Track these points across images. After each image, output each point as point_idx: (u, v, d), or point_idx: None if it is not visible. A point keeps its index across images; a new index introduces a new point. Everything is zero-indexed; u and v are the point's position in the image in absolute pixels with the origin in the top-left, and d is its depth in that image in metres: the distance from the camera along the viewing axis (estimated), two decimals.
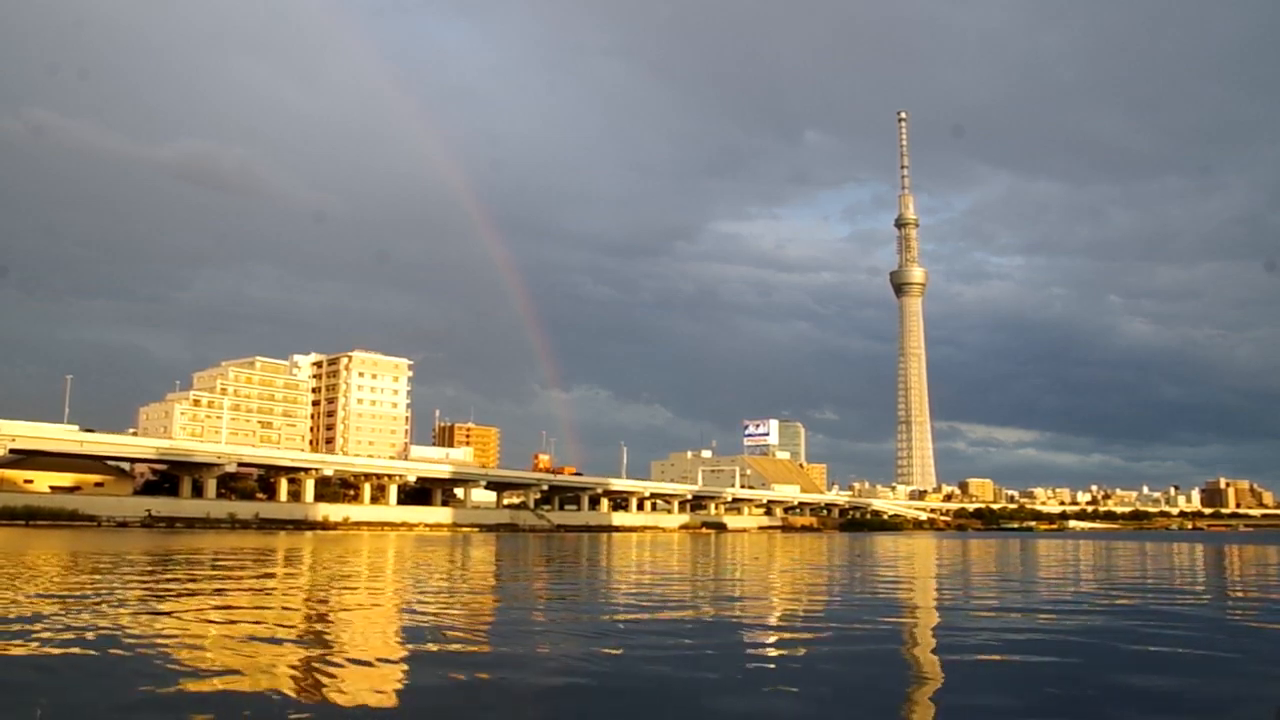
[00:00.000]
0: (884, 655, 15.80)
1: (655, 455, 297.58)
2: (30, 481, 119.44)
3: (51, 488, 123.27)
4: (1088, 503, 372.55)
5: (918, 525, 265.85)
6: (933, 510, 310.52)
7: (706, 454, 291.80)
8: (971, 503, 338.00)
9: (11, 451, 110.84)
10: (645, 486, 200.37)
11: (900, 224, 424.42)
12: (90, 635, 15.90)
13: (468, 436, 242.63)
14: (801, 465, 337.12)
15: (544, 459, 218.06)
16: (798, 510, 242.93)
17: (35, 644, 15.01)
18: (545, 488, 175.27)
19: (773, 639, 18.24)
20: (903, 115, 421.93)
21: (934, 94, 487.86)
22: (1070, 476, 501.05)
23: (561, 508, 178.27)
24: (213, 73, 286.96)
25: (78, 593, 24.68)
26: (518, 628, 19.97)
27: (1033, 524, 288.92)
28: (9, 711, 10.18)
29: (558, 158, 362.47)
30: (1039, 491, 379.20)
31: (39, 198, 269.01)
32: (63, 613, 19.42)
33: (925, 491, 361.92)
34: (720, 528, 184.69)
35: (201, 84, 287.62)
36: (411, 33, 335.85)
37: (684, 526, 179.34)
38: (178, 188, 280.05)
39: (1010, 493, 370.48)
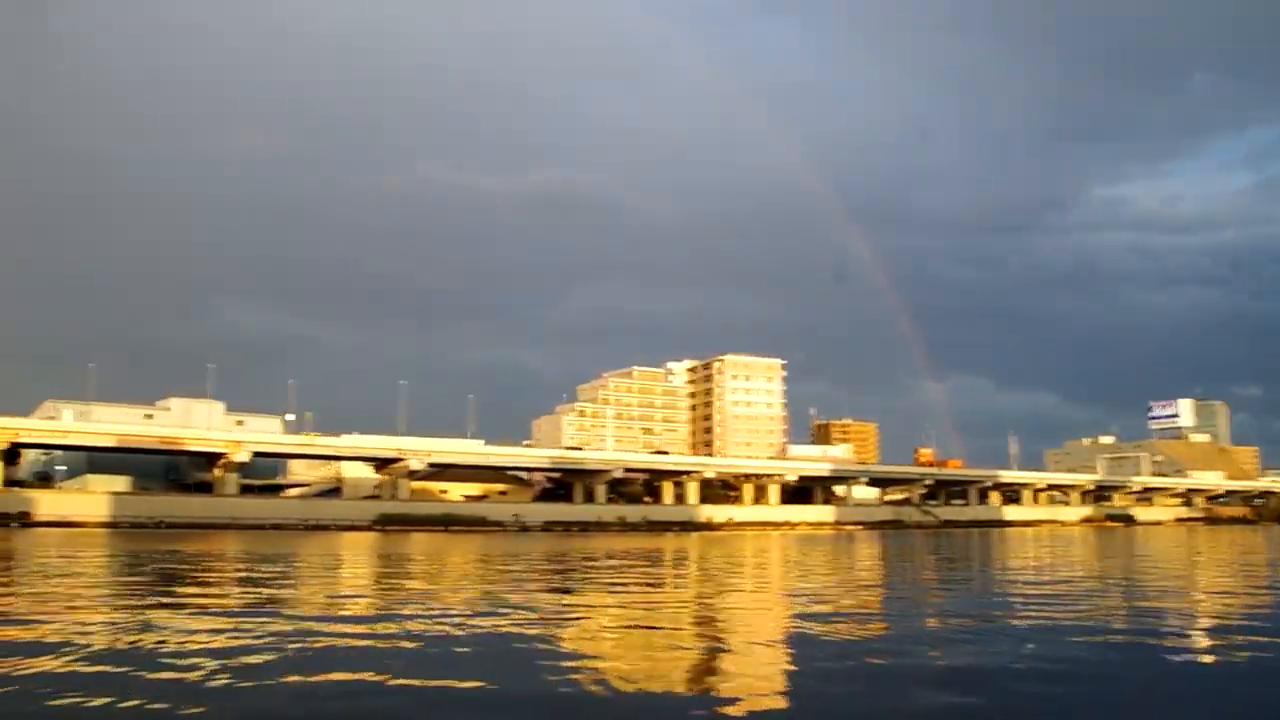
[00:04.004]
0: None
1: (1043, 443, 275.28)
2: (445, 491, 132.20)
3: (465, 497, 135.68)
4: None
5: None
6: None
7: (1105, 440, 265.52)
8: None
9: (430, 465, 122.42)
10: (1040, 477, 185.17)
11: None
12: (500, 625, 17.01)
13: (845, 433, 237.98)
14: (1224, 449, 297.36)
15: (926, 453, 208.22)
16: (1224, 499, 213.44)
17: (455, 631, 16.44)
18: (930, 482, 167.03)
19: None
20: None
21: None
22: None
23: (947, 503, 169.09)
24: (563, 104, 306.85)
25: (495, 586, 26.19)
26: (908, 625, 18.25)
27: None
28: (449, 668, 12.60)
29: (903, 140, 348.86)
30: None
31: (421, 235, 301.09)
32: (482, 602, 20.07)
33: None
34: (1128, 520, 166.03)
35: (555, 116, 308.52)
36: (735, 37, 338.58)
37: (1086, 520, 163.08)
38: (540, 214, 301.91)
39: None
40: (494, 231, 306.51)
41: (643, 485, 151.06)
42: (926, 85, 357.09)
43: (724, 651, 15.11)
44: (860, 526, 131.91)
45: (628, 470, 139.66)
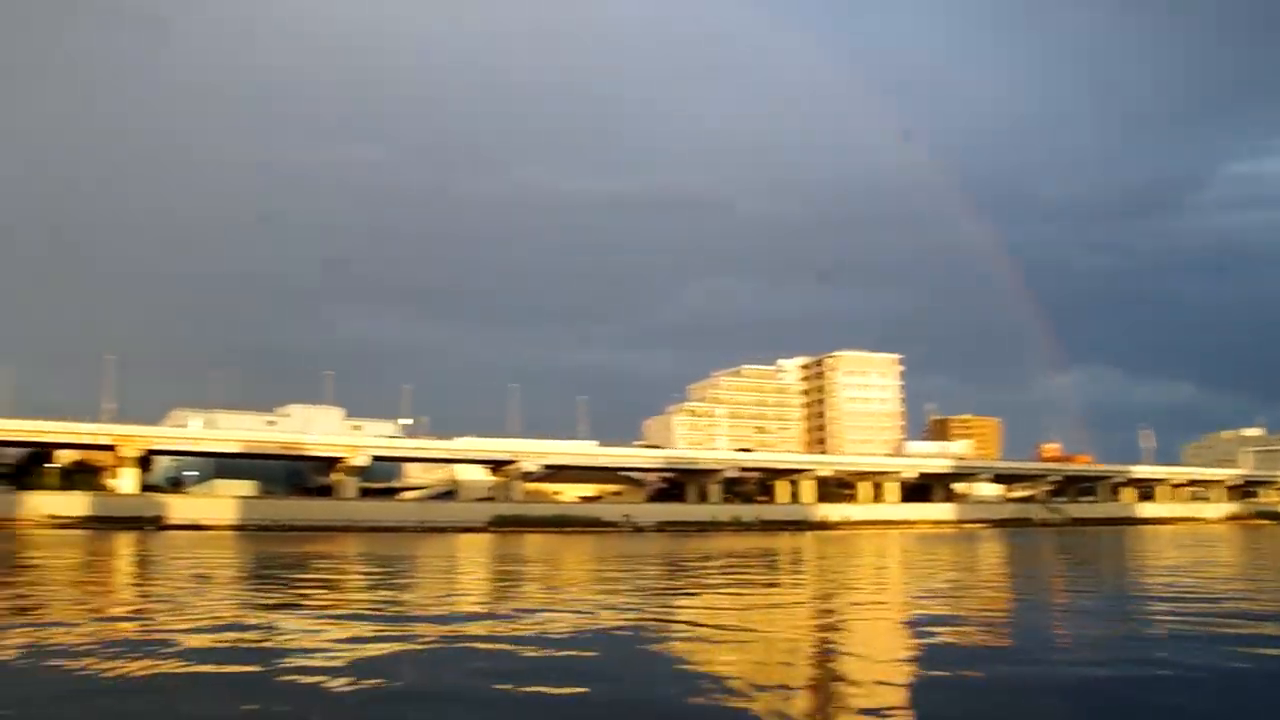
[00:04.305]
0: None
1: (1180, 437, 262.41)
2: (558, 493, 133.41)
3: (581, 498, 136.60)
4: None
5: None
6: None
7: (1251, 432, 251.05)
8: None
9: (545, 467, 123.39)
10: (1178, 472, 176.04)
11: None
12: (617, 627, 17.00)
13: (965, 429, 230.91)
14: None
15: (1051, 448, 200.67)
16: None
17: (574, 633, 16.34)
18: (1058, 478, 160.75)
19: None
20: None
21: None
22: None
23: (1076, 500, 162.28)
24: (664, 104, 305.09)
25: (611, 587, 26.70)
26: (1035, 631, 17.18)
27: None
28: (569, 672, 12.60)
29: (1028, 125, 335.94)
30: None
31: (527, 241, 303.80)
32: (598, 604, 20.13)
33: None
34: (1278, 518, 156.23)
35: (656, 117, 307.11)
36: (843, 26, 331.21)
37: (1232, 517, 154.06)
38: (645, 215, 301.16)
39: None
40: (599, 235, 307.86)
41: (756, 484, 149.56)
42: (1048, 66, 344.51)
43: (844, 657, 14.52)
44: (983, 525, 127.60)
45: (741, 469, 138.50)
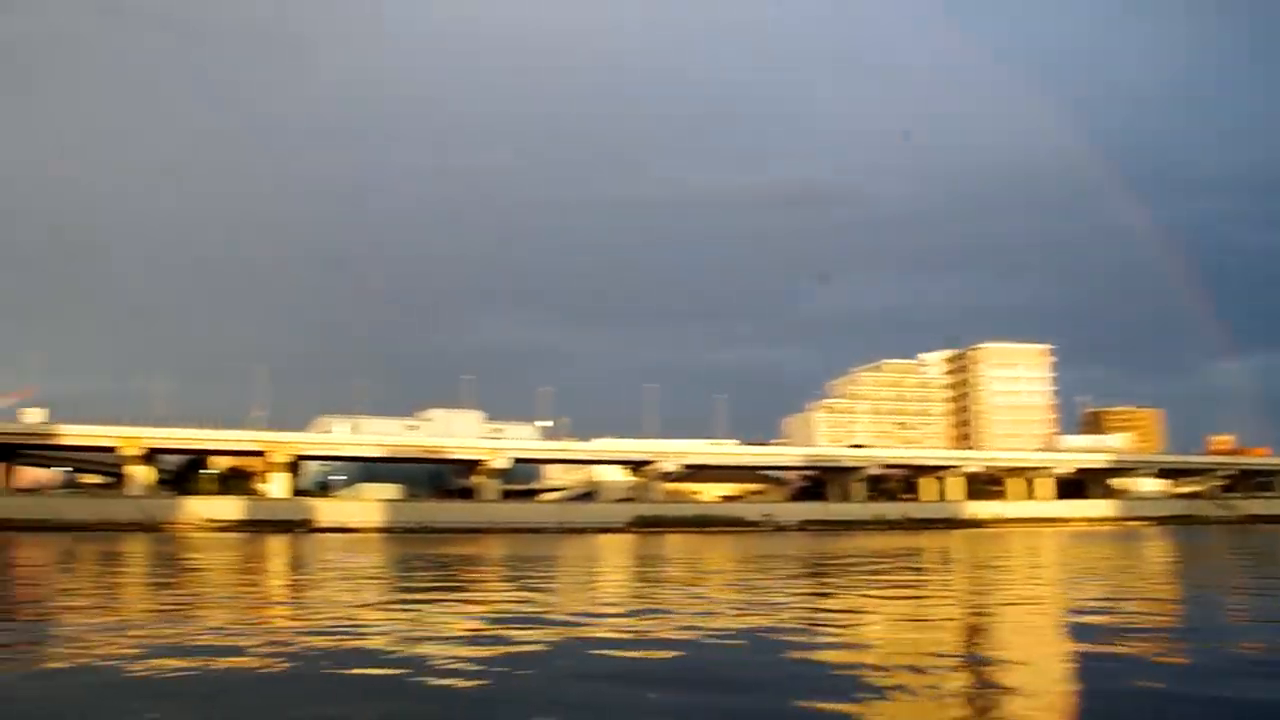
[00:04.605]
0: None
1: None
2: (698, 492, 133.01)
3: (721, 497, 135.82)
4: None
5: None
6: None
7: None
8: None
9: (684, 467, 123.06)
10: None
11: None
12: (763, 629, 16.55)
13: (1123, 421, 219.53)
14: None
15: (1222, 440, 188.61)
16: None
17: (717, 634, 16.03)
18: (1232, 472, 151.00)
19: None
20: None
21: None
22: None
23: (1251, 495, 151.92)
24: (797, 96, 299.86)
25: (755, 587, 26.49)
26: (1217, 646, 14.95)
27: None
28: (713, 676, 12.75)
29: (1188, 95, 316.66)
30: None
31: (663, 239, 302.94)
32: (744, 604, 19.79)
33: None
34: None
35: (789, 109, 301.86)
36: (987, 6, 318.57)
37: None
38: (780, 210, 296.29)
39: None
40: (735, 231, 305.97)
41: (901, 482, 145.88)
42: (1206, 33, 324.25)
43: (999, 667, 13.33)
44: (1146, 522, 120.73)
45: (885, 467, 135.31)
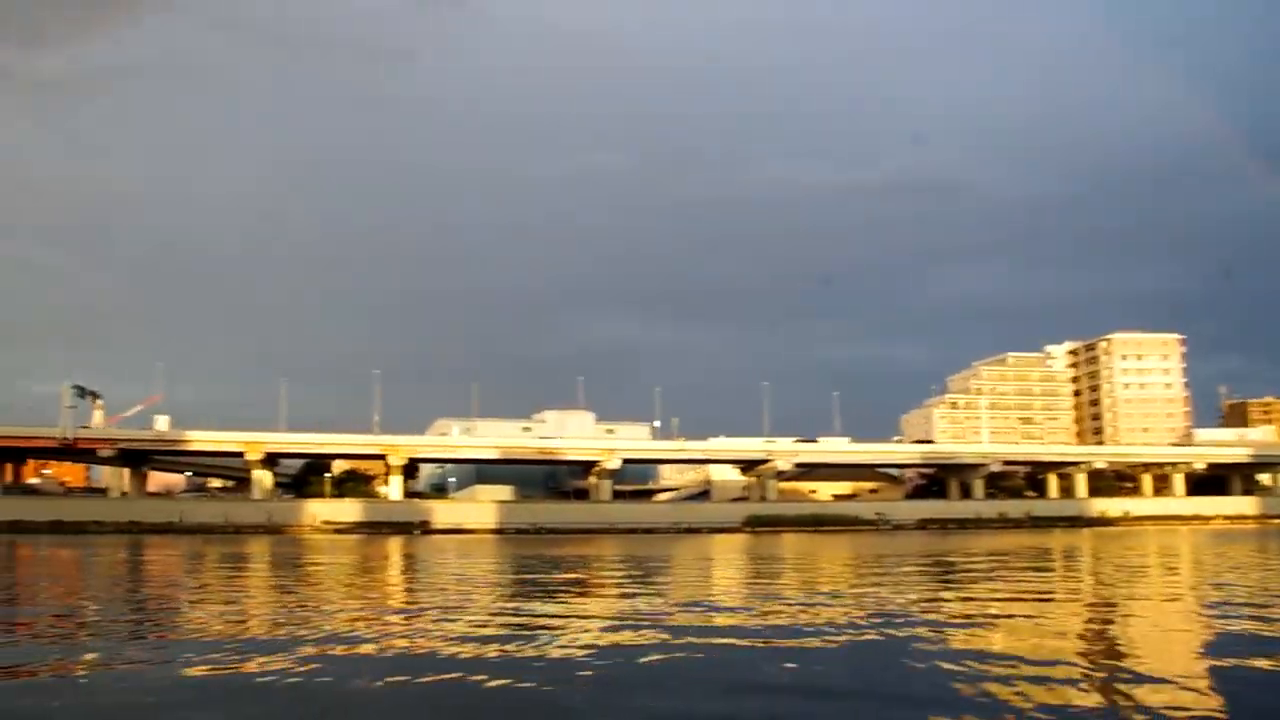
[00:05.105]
0: None
1: None
2: (814, 491, 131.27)
3: (836, 496, 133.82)
4: None
5: None
6: None
7: None
8: None
9: (797, 465, 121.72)
10: None
11: None
12: (881, 632, 16.35)
13: (1266, 413, 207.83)
14: None
15: None
16: None
17: (834, 635, 16.07)
18: None
19: None
20: None
21: None
22: None
23: None
24: (905, 88, 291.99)
25: (873, 588, 25.88)
26: None
27: None
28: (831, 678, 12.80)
29: None
30: None
31: (773, 236, 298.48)
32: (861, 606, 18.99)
33: None
34: None
35: (897, 102, 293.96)
36: None
37: None
38: (893, 203, 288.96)
39: None
40: (846, 225, 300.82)
41: (1024, 479, 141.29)
42: None
43: (1137, 683, 12.42)
44: None
45: (1006, 463, 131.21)
